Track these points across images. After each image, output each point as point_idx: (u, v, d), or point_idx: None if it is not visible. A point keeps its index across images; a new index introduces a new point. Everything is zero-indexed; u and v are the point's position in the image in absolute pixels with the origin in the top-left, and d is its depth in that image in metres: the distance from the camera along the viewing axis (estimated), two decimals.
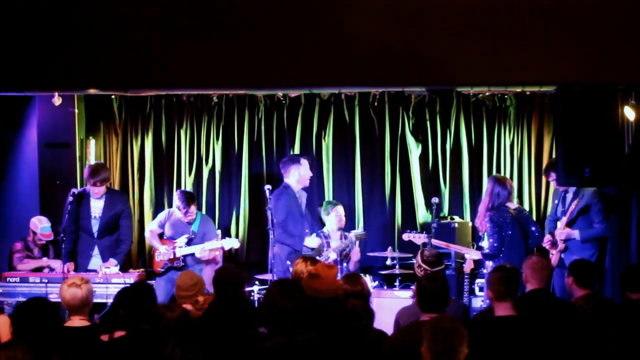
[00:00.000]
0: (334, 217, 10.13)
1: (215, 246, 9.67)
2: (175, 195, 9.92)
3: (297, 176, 9.75)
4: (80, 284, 6.12)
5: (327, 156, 10.80)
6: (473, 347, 4.57)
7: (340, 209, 10.18)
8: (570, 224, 9.21)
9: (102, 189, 9.52)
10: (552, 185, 9.71)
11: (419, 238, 9.51)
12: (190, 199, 9.75)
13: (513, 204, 9.19)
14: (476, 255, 9.24)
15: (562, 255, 9.19)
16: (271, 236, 9.26)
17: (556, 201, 9.65)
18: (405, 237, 9.68)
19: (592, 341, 5.99)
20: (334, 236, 10.16)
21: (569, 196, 9.36)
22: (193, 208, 9.75)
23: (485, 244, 9.19)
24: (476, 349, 4.65)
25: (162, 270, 9.72)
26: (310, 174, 9.84)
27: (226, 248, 9.76)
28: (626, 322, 6.25)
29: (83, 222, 9.57)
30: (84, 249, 9.63)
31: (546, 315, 6.14)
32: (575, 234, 9.20)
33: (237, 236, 10.80)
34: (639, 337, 6.06)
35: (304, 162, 9.80)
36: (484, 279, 9.27)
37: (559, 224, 9.31)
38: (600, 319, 6.33)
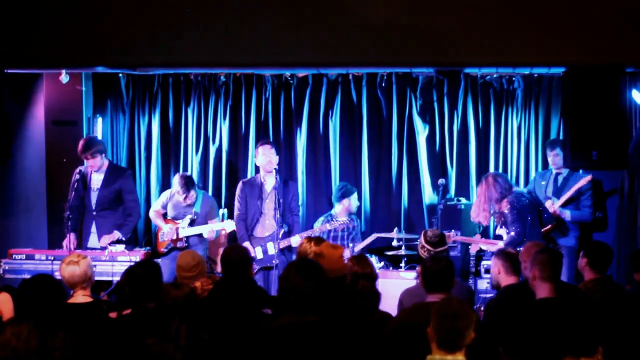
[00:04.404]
0: (345, 205, 10.10)
1: (218, 227, 9.65)
2: (175, 180, 9.83)
3: (258, 161, 9.75)
4: (78, 260, 6.24)
5: (334, 137, 10.76)
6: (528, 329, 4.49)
7: (354, 199, 10.15)
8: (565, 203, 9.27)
9: (97, 161, 9.54)
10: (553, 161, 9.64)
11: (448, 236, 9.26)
12: (189, 183, 9.65)
13: (523, 189, 9.17)
14: (501, 244, 9.10)
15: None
16: (277, 216, 9.27)
17: (543, 182, 9.64)
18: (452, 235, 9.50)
19: (600, 325, 5.96)
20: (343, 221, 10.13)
21: (561, 178, 9.45)
22: (192, 192, 9.67)
23: (502, 232, 9.13)
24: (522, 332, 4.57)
25: (165, 250, 9.69)
26: (265, 162, 9.62)
27: (228, 230, 9.74)
28: (636, 308, 6.22)
29: (85, 196, 9.62)
30: (85, 227, 9.70)
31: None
32: (567, 214, 9.26)
33: None
34: None
35: (259, 149, 9.70)
36: (489, 261, 9.25)
37: (548, 202, 9.30)
38: (609, 303, 6.31)
